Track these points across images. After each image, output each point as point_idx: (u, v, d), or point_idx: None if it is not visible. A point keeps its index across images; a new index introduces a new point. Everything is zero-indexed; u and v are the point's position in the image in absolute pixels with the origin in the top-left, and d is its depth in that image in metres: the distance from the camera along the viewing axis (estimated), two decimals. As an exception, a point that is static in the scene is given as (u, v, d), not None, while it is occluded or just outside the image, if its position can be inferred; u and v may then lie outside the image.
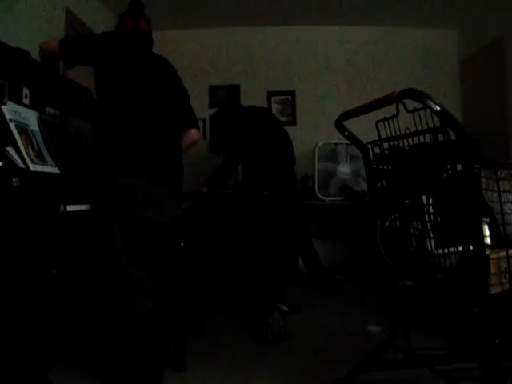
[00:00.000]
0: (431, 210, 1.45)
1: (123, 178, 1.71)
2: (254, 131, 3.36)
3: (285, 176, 3.41)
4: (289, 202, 3.37)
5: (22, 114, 1.84)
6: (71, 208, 1.73)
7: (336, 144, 4.02)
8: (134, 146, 1.76)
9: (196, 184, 3.74)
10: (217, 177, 3.46)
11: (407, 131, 1.38)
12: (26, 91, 1.95)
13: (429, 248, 1.46)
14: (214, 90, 4.65)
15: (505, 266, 1.37)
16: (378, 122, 1.44)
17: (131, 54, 1.92)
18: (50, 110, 2.12)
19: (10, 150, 1.66)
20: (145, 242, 1.72)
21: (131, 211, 1.68)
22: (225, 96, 4.63)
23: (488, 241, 1.62)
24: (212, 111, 4.63)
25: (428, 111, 1.17)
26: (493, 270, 1.38)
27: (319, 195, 3.98)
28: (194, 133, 2.07)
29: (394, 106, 1.26)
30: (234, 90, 4.60)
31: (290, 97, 4.63)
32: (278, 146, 3.39)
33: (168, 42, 4.17)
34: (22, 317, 1.65)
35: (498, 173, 1.44)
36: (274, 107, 4.62)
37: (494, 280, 1.38)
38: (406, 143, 1.43)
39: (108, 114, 1.83)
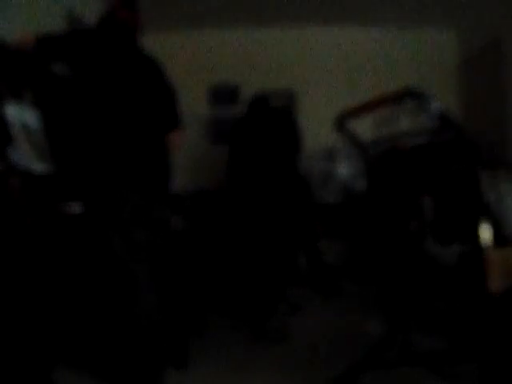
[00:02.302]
0: (431, 209, 1.45)
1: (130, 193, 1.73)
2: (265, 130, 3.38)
3: (292, 176, 3.40)
4: (296, 201, 3.37)
5: (22, 114, 1.84)
6: (71, 208, 1.73)
7: (336, 144, 4.02)
8: (128, 158, 1.77)
9: (196, 183, 3.74)
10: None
11: (407, 131, 1.38)
12: (25, 91, 1.94)
13: (429, 247, 1.46)
14: (214, 90, 4.65)
15: (505, 265, 1.38)
16: (377, 122, 1.44)
17: (103, 54, 1.81)
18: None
19: (9, 150, 1.67)
20: (142, 238, 1.73)
21: (125, 214, 1.70)
22: (225, 96, 4.63)
23: (488, 241, 1.62)
24: (212, 111, 4.65)
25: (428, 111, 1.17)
26: (493, 269, 1.38)
27: (319, 195, 3.97)
28: (174, 136, 1.97)
29: (393, 106, 1.27)
30: (233, 90, 4.60)
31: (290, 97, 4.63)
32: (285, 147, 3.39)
33: (168, 42, 4.18)
34: (24, 316, 1.65)
35: (498, 173, 1.44)
36: (274, 107, 4.61)
37: (494, 280, 1.38)
38: (405, 143, 1.43)
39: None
